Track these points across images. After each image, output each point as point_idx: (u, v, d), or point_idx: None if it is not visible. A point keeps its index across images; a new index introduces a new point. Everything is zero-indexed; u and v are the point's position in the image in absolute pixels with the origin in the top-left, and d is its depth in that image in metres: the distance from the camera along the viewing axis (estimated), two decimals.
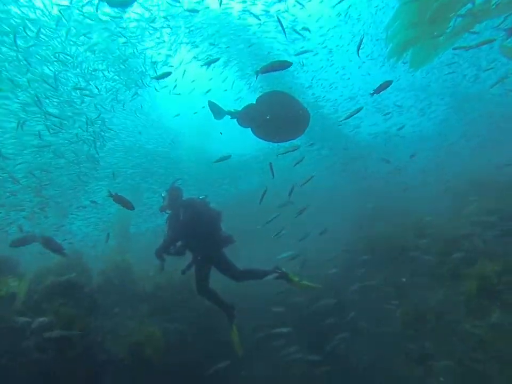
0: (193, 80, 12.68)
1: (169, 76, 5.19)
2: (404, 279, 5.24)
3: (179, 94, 11.95)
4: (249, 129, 4.58)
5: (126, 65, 9.09)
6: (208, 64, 5.19)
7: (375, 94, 4.01)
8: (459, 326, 4.26)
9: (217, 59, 4.84)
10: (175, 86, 11.36)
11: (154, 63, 9.56)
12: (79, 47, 7.98)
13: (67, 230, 9.85)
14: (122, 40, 8.60)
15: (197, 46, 10.41)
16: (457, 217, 6.59)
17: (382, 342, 4.95)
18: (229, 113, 4.51)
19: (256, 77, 3.61)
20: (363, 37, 3.77)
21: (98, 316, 4.57)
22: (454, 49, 6.45)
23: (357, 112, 4.47)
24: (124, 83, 9.51)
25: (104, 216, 10.66)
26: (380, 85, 3.96)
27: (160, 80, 8.98)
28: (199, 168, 13.23)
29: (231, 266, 4.35)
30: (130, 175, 11.64)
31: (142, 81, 9.34)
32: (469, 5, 5.71)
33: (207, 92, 10.90)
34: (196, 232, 4.09)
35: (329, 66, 13.39)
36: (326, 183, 13.08)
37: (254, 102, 4.44)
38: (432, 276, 5.35)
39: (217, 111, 4.60)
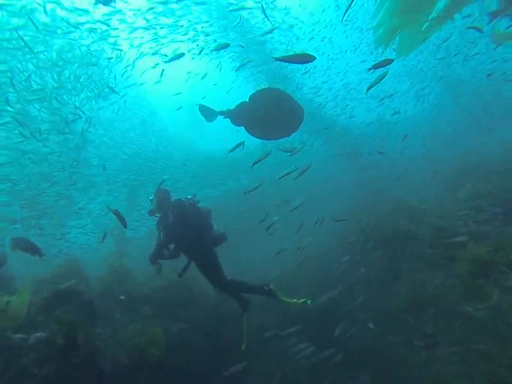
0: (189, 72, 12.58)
1: (181, 57, 4.97)
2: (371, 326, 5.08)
3: (180, 93, 11.86)
4: (243, 128, 4.52)
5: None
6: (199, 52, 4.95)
7: (372, 70, 3.97)
8: (459, 309, 4.26)
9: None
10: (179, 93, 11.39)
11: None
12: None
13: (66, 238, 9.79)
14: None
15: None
16: (449, 202, 6.68)
17: (383, 329, 5.03)
18: (221, 113, 4.45)
19: (275, 60, 3.58)
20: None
21: (100, 322, 4.59)
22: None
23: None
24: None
25: (100, 223, 10.62)
26: (380, 61, 3.91)
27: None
28: (192, 167, 13.13)
29: (218, 272, 4.28)
30: (123, 180, 11.54)
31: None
32: None
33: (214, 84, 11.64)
34: (187, 232, 4.04)
35: (320, 55, 13.35)
36: (321, 175, 13.08)
37: (247, 100, 4.37)
38: (426, 261, 5.45)
39: (208, 114, 4.53)
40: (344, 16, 4.78)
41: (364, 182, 11.20)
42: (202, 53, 10.04)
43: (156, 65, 10.47)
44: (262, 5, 4.96)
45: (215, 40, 9.89)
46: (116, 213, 3.88)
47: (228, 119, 4.48)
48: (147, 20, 8.95)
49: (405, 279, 5.40)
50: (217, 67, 11.37)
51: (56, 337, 3.39)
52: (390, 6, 6.52)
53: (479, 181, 6.93)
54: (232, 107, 4.44)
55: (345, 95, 13.53)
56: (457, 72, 12.89)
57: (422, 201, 7.04)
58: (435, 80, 13.54)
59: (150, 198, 4.30)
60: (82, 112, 8.34)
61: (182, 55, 4.60)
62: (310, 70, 12.40)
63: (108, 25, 8.16)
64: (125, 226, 3.96)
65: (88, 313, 4.32)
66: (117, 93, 8.63)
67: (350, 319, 5.43)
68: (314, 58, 3.30)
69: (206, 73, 11.90)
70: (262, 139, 4.75)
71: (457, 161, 9.62)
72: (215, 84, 13.80)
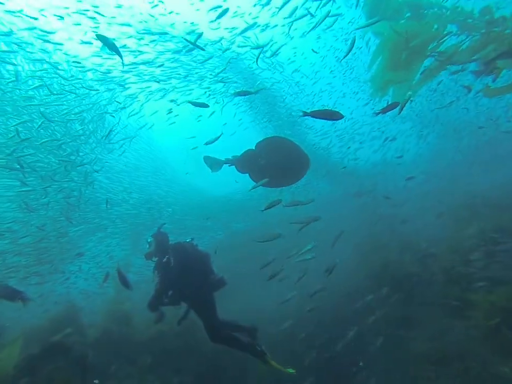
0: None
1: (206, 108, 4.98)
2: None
3: (194, 137, 12.23)
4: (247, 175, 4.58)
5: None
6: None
7: (380, 114, 3.98)
8: (491, 369, 3.80)
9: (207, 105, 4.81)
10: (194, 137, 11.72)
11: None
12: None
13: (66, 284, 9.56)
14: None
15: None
16: (457, 243, 6.50)
17: None
18: (227, 161, 4.52)
19: (302, 116, 3.37)
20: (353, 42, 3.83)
21: (93, 378, 4.28)
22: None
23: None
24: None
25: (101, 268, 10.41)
26: (387, 105, 3.93)
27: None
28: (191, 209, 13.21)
29: (215, 316, 4.06)
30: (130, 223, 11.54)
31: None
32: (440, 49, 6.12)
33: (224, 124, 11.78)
34: (189, 277, 3.90)
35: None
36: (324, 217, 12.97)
37: (254, 148, 4.47)
38: (441, 307, 5.14)
39: (214, 164, 4.62)
40: (344, 58, 5.02)
41: (370, 222, 11.01)
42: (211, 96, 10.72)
43: (169, 111, 11.07)
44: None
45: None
46: (120, 275, 3.86)
47: (233, 167, 4.56)
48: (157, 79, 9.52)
49: (421, 327, 5.05)
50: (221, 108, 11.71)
51: None
52: (382, 61, 7.06)
53: (485, 217, 6.84)
54: (237, 154, 4.54)
55: (349, 137, 13.98)
56: (454, 116, 13.34)
57: (432, 243, 6.86)
58: (435, 122, 13.98)
59: (148, 240, 4.19)
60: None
61: (206, 105, 4.75)
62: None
63: (122, 86, 8.78)
64: (130, 289, 3.88)
65: (81, 368, 4.03)
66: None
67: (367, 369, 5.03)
68: (342, 116, 3.25)
69: (226, 123, 12.78)
70: (267, 187, 4.76)
71: (460, 197, 9.62)
72: (225, 123, 14.37)
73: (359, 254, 8.38)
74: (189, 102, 4.65)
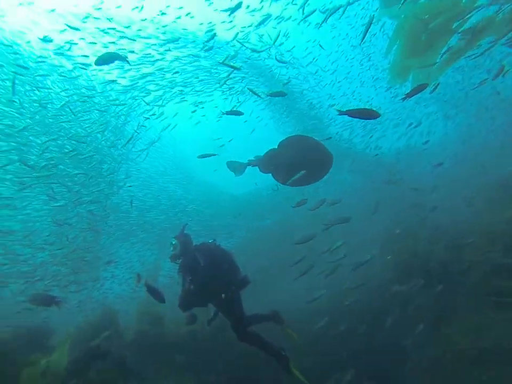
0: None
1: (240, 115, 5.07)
2: None
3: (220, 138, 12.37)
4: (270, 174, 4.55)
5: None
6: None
7: (407, 99, 3.83)
8: None
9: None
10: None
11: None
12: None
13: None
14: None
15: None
16: (493, 228, 6.11)
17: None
18: (249, 163, 4.51)
19: (338, 114, 3.30)
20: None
21: (132, 379, 4.45)
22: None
23: None
24: None
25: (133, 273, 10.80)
26: (414, 88, 3.78)
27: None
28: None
29: (242, 315, 4.11)
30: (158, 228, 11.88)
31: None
32: (467, 24, 5.71)
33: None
34: (218, 276, 3.96)
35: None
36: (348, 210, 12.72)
37: (276, 147, 4.43)
38: (480, 296, 4.86)
39: (237, 168, 4.62)
40: (361, 42, 4.87)
41: (398, 211, 10.62)
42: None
43: (194, 111, 11.53)
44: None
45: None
46: (149, 287, 3.80)
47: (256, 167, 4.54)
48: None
49: (458, 322, 4.81)
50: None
51: None
52: (400, 46, 6.72)
53: None
54: (259, 153, 4.52)
55: (371, 126, 13.61)
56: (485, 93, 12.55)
57: (465, 230, 6.50)
58: (464, 101, 13.24)
59: (173, 242, 4.19)
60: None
61: (241, 113, 4.78)
62: (335, 104, 12.79)
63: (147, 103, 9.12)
64: (163, 301, 3.83)
65: (121, 370, 4.20)
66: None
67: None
68: (379, 115, 3.14)
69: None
70: (291, 186, 4.71)
71: (493, 180, 9.04)
72: (245, 121, 14.83)
73: (389, 245, 8.09)
74: (224, 112, 4.64)
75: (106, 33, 8.27)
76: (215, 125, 16.11)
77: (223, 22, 9.87)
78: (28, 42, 7.61)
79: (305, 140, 4.39)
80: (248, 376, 5.29)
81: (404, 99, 3.86)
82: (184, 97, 10.28)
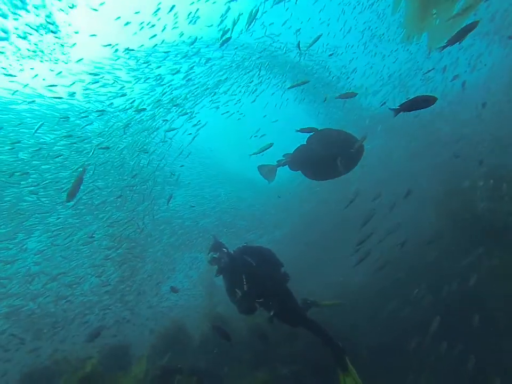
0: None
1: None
2: None
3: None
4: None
5: None
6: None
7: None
8: None
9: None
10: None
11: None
12: None
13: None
14: None
15: None
16: None
17: None
18: (279, 164, 4.43)
19: (395, 115, 3.09)
20: None
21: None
22: None
23: None
24: None
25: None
26: (464, 26, 3.51)
27: None
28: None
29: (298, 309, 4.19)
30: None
31: None
32: None
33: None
34: (269, 273, 4.09)
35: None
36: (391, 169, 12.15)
37: (305, 143, 4.34)
38: None
39: (268, 172, 4.52)
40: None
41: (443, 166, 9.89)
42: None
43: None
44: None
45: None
46: (217, 329, 4.26)
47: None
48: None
49: None
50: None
51: None
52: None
53: None
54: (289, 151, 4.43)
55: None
56: None
57: None
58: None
59: (214, 255, 4.26)
60: None
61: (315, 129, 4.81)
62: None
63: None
64: (229, 340, 4.13)
65: (198, 376, 4.42)
66: None
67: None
68: (436, 98, 2.91)
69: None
70: (319, 180, 4.60)
71: None
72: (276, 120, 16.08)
73: (438, 207, 7.57)
74: (297, 130, 4.54)
75: None
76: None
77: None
78: None
79: (334, 133, 4.24)
80: (317, 365, 5.32)
81: (445, 46, 3.66)
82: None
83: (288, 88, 10.70)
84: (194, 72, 10.42)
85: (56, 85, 8.24)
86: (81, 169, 4.53)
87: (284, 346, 5.80)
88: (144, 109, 9.15)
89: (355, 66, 13.14)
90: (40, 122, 6.74)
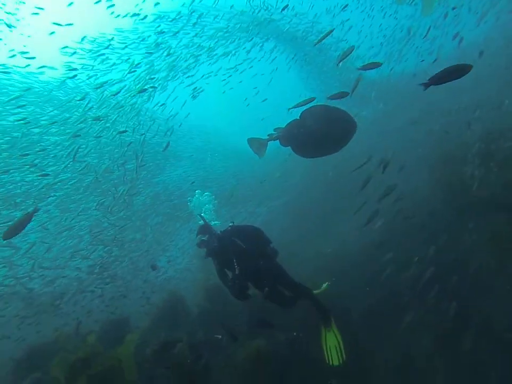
0: None
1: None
2: None
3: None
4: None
5: None
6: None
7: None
8: None
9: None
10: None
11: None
12: None
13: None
14: None
15: None
16: None
17: None
18: (270, 138, 4.25)
19: (425, 89, 2.87)
20: None
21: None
22: None
23: None
24: None
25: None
26: None
27: None
28: None
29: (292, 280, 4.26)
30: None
31: None
32: None
33: None
34: (258, 253, 4.12)
35: None
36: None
37: (298, 118, 4.17)
38: None
39: (258, 147, 4.31)
40: None
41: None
42: None
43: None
44: None
45: None
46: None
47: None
48: None
49: None
50: None
51: None
52: None
53: None
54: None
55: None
56: None
57: None
58: None
59: (203, 238, 4.31)
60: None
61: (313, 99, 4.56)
62: None
63: None
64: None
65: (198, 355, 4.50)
66: None
67: None
68: (471, 66, 2.59)
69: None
70: (309, 157, 4.46)
71: None
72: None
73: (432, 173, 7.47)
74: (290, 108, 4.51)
75: None
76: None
77: None
78: None
79: (329, 109, 4.08)
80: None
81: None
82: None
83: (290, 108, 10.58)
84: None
85: None
86: (32, 208, 4.23)
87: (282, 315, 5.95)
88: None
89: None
90: None
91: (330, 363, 3.84)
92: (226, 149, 14.61)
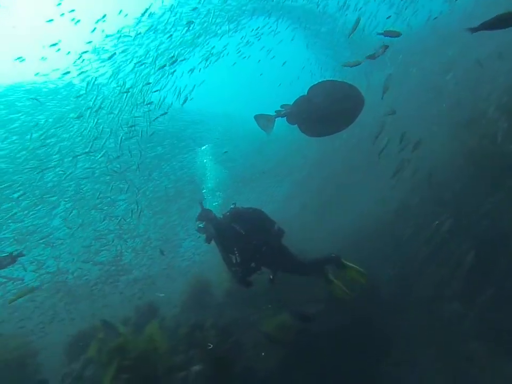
0: None
1: None
2: None
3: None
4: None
5: None
6: None
7: None
8: None
9: None
10: None
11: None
12: None
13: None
14: None
15: None
16: None
17: None
18: (278, 115, 4.06)
19: (472, 33, 2.55)
20: None
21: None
22: None
23: None
24: None
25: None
26: None
27: None
28: None
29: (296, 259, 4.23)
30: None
31: None
32: None
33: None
34: (260, 237, 3.97)
35: None
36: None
37: (306, 93, 3.99)
38: None
39: (266, 123, 4.13)
40: None
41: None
42: None
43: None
44: None
45: None
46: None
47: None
48: None
49: None
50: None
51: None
52: None
53: None
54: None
55: None
56: None
57: None
58: None
59: (200, 225, 4.23)
60: None
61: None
62: None
63: None
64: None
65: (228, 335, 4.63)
66: None
67: None
68: None
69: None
70: (316, 136, 4.28)
71: None
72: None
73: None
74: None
75: None
76: None
77: None
78: None
79: (338, 85, 3.93)
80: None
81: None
82: None
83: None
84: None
85: None
86: (17, 252, 4.27)
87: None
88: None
89: None
90: None
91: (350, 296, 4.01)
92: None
